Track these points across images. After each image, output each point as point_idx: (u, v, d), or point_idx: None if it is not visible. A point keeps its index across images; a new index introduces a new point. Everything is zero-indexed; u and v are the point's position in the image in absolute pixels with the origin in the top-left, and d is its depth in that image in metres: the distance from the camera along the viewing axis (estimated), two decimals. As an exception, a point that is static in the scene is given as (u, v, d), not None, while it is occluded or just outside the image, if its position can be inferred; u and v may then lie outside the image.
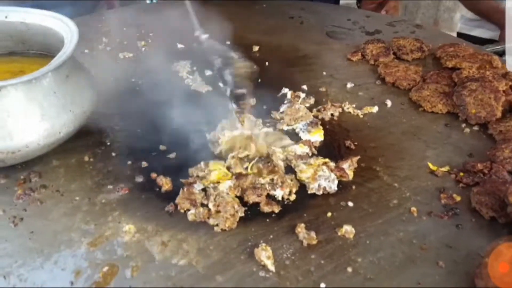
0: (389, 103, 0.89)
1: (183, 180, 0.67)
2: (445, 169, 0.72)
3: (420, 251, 0.58)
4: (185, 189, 0.65)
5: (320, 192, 0.67)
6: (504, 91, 0.85)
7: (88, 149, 0.74)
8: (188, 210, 0.62)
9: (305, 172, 0.69)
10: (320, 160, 0.71)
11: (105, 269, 0.54)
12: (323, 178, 0.67)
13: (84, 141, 0.75)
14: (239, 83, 0.84)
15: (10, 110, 0.62)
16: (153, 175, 0.68)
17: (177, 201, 0.63)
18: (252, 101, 0.87)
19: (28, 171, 0.68)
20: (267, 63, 1.02)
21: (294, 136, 0.80)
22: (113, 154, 0.74)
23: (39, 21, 0.75)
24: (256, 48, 1.08)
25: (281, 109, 0.86)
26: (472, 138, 0.80)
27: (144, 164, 0.71)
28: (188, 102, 0.85)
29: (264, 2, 1.33)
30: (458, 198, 0.66)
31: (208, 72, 0.97)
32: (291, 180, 0.69)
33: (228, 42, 1.09)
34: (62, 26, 0.73)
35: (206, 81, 0.94)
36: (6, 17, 0.76)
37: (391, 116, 0.86)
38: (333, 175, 0.68)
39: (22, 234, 0.58)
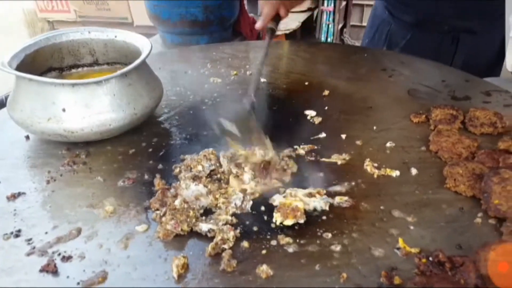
0: (414, 171, 0.84)
1: (162, 186, 0.80)
2: (414, 250, 0.66)
3: (313, 312, 0.58)
4: (159, 192, 0.78)
5: None
6: (545, 190, 0.70)
7: (139, 144, 0.94)
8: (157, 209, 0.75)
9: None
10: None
11: (73, 230, 0.72)
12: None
13: (138, 138, 0.96)
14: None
15: (77, 101, 0.86)
16: (157, 175, 0.84)
17: (151, 200, 0.77)
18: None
19: (84, 149, 0.92)
20: (326, 108, 1.07)
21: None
22: (150, 150, 0.93)
23: (133, 41, 1.01)
24: (326, 92, 1.13)
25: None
26: (478, 231, 0.70)
27: (160, 166, 0.88)
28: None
29: (367, 52, 1.35)
30: (397, 281, 0.61)
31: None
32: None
33: (306, 83, 1.19)
34: (145, 47, 0.96)
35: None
36: (115, 36, 1.04)
37: (407, 185, 0.81)
38: None
39: (45, 190, 0.81)
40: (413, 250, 0.67)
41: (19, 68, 0.89)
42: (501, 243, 0.64)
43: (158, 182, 0.82)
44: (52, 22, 3.67)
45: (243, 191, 0.79)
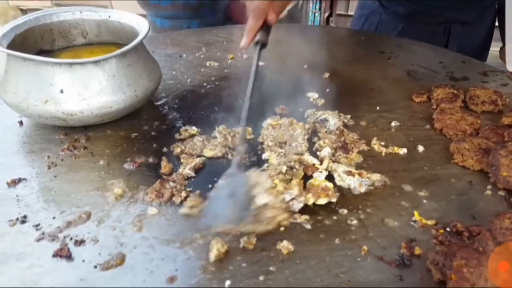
0: (420, 148, 0.85)
1: (164, 176, 0.77)
2: (430, 222, 0.67)
3: (339, 284, 0.57)
4: (159, 182, 0.75)
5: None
6: (552, 161, 0.72)
7: (140, 128, 0.92)
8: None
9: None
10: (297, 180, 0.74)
11: (83, 214, 0.69)
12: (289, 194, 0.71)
13: (139, 122, 0.94)
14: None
15: (76, 82, 0.82)
16: (164, 158, 0.82)
17: (148, 190, 0.74)
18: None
19: (83, 134, 0.89)
20: (327, 90, 1.06)
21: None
22: (152, 133, 0.90)
23: (129, 22, 0.97)
24: (326, 75, 1.13)
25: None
26: (489, 202, 0.71)
27: (165, 149, 0.85)
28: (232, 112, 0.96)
29: (363, 35, 1.35)
30: (418, 251, 0.62)
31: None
32: None
33: (305, 66, 1.18)
34: (142, 27, 0.93)
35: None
36: (109, 16, 1.00)
37: (415, 161, 0.82)
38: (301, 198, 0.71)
39: (47, 175, 0.78)
40: (429, 222, 0.67)
41: (9, 49, 0.85)
42: None
43: (165, 164, 0.80)
44: (26, 11, 3.53)
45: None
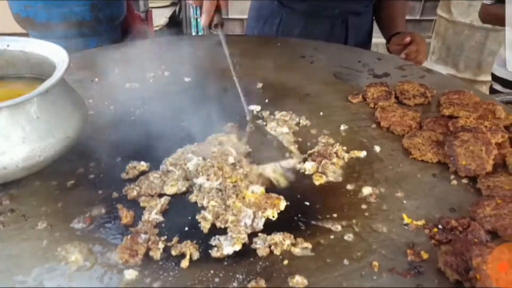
0: (377, 148, 0.87)
1: (132, 229, 0.66)
2: (420, 223, 0.69)
3: (369, 309, 0.55)
4: (128, 237, 0.63)
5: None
6: (500, 144, 0.80)
7: (74, 172, 0.78)
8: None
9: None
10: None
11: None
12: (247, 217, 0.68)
13: (71, 165, 0.79)
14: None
15: (-9, 133, 0.66)
16: (119, 206, 0.70)
17: (117, 250, 0.62)
18: None
19: (3, 192, 0.71)
20: (266, 100, 1.03)
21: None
22: (91, 177, 0.77)
23: (37, 50, 0.81)
24: (260, 85, 1.10)
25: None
26: (459, 192, 0.76)
27: (115, 194, 0.73)
28: (173, 138, 0.87)
29: (279, 41, 1.36)
30: (425, 256, 0.62)
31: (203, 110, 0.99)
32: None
33: (234, 78, 1.13)
34: (57, 55, 0.78)
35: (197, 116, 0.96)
36: (8, 46, 0.82)
37: (378, 162, 0.83)
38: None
39: (-25, 257, 0.60)
40: (420, 223, 0.69)
41: None
42: (489, 198, 0.70)
43: (125, 214, 0.68)
44: None
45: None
